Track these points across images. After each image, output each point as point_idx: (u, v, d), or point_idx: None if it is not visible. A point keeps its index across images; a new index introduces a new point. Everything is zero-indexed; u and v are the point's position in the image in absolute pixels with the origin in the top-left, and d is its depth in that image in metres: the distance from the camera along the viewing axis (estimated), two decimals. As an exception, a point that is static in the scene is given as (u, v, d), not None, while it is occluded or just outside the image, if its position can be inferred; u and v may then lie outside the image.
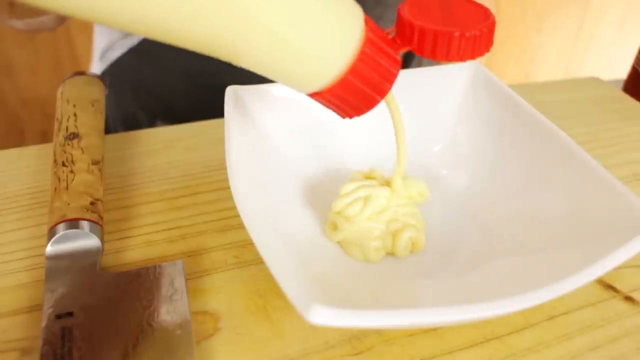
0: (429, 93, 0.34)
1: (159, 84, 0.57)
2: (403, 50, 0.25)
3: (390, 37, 0.24)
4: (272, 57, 0.21)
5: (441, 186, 0.33)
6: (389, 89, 0.24)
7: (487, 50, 0.25)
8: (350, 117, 0.25)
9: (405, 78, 0.34)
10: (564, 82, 0.50)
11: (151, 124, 0.58)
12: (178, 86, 0.56)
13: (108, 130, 0.59)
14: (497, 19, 0.25)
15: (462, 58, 0.24)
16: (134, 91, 0.58)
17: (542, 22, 1.43)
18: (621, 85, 0.50)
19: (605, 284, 0.28)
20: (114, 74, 0.57)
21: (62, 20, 0.38)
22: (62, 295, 0.25)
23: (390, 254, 0.28)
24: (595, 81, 0.50)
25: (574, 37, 1.50)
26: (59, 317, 0.24)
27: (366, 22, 0.23)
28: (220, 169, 0.35)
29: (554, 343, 0.25)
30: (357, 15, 0.23)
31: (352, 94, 0.23)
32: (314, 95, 0.24)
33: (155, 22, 0.19)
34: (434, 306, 0.20)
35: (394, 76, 0.24)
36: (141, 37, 0.54)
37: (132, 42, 0.55)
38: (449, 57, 0.24)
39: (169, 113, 0.58)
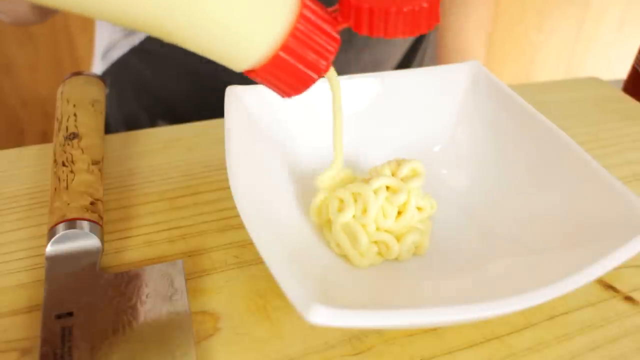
0: (429, 93, 0.34)
1: (160, 84, 0.57)
2: (342, 27, 0.24)
3: (334, 13, 0.24)
4: (201, 34, 0.21)
5: (441, 186, 0.33)
6: (326, 67, 0.24)
7: (430, 27, 0.24)
8: (289, 96, 0.24)
9: (405, 78, 0.34)
10: (564, 82, 0.50)
11: (152, 124, 0.58)
12: (179, 86, 0.56)
13: (109, 130, 0.59)
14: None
15: (401, 34, 0.24)
16: (135, 91, 0.58)
17: (542, 22, 1.43)
18: (621, 85, 0.50)
19: (605, 284, 0.28)
20: (116, 74, 0.57)
21: (41, 12, 0.38)
22: (62, 295, 0.25)
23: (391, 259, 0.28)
24: (595, 81, 0.50)
25: (574, 37, 1.50)
26: (59, 317, 0.24)
27: None
28: (220, 169, 0.35)
29: (554, 343, 0.25)
30: None
31: (286, 72, 0.23)
32: (249, 73, 0.23)
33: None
34: (434, 306, 0.20)
35: (331, 53, 0.23)
36: (143, 37, 0.54)
37: (133, 42, 0.55)
38: (386, 33, 0.24)
39: (170, 113, 0.58)
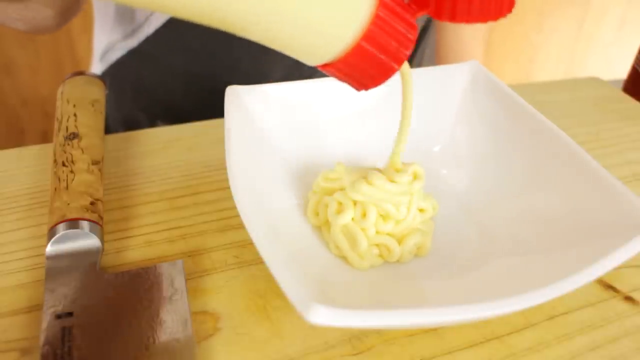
0: (429, 93, 0.34)
1: (159, 85, 0.57)
2: (420, 15, 0.23)
3: (405, 2, 0.23)
4: (278, 26, 0.20)
5: (441, 186, 0.33)
6: (406, 56, 0.23)
7: (510, 10, 0.23)
8: (367, 88, 0.24)
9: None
10: (564, 82, 0.50)
11: (151, 125, 0.58)
12: (178, 87, 0.57)
13: (108, 131, 0.59)
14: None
15: (484, 18, 0.23)
16: (134, 92, 0.58)
17: (542, 22, 1.43)
18: (621, 85, 0.50)
19: (605, 284, 0.28)
20: (114, 75, 0.58)
21: (61, 17, 0.38)
22: (62, 295, 0.25)
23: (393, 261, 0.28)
24: (595, 81, 0.50)
25: (574, 37, 1.50)
26: (59, 317, 0.24)
27: None
28: (220, 169, 0.35)
29: (554, 343, 0.25)
30: None
31: (367, 62, 0.22)
32: (327, 67, 0.23)
33: None
34: (433, 306, 0.20)
35: (411, 42, 0.23)
36: (141, 38, 0.54)
37: (132, 43, 0.55)
38: (470, 18, 0.23)
39: (169, 114, 0.58)
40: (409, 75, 0.25)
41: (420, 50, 0.63)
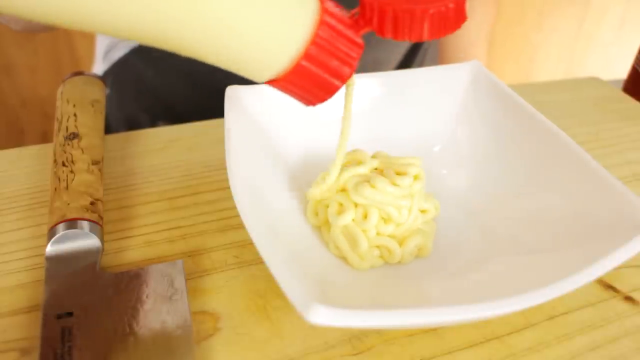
0: (429, 93, 0.34)
1: (161, 84, 0.57)
2: (365, 32, 0.23)
3: (355, 17, 0.23)
4: (218, 47, 0.20)
5: (441, 186, 0.33)
6: (350, 74, 0.23)
7: (457, 26, 0.23)
8: (313, 104, 0.24)
9: (405, 78, 0.34)
10: (564, 82, 0.50)
11: (153, 124, 0.58)
12: (179, 87, 0.56)
13: (109, 130, 0.59)
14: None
15: (428, 36, 0.23)
16: (136, 92, 0.58)
17: (542, 22, 1.43)
18: (621, 85, 0.50)
19: (605, 284, 0.28)
20: (116, 74, 0.58)
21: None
22: (62, 295, 0.25)
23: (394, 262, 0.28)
24: (595, 81, 0.50)
25: (574, 37, 1.50)
26: (59, 317, 0.24)
27: (322, 1, 0.22)
28: (220, 169, 0.35)
29: (554, 343, 0.25)
30: None
31: (309, 81, 0.22)
32: (271, 83, 0.23)
33: (110, 17, 0.18)
34: (433, 306, 0.20)
35: (355, 60, 0.23)
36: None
37: (134, 42, 0.55)
38: (411, 36, 0.23)
39: (171, 113, 0.58)
40: (351, 88, 0.26)
41: (422, 50, 0.63)
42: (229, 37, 0.20)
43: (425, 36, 0.23)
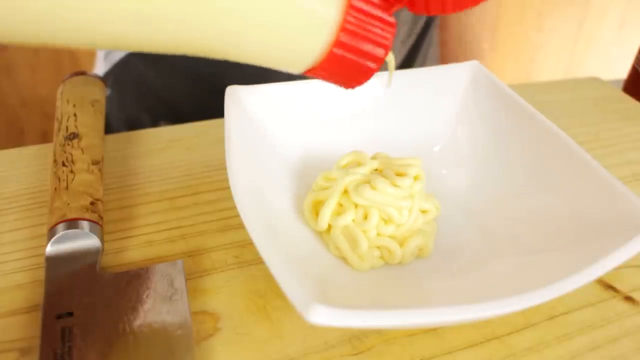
0: (429, 93, 0.34)
1: (162, 84, 0.57)
2: (397, 9, 0.23)
3: None
4: (253, 43, 0.20)
5: (441, 186, 0.33)
6: (384, 55, 0.23)
7: None
8: (352, 87, 0.24)
9: (405, 78, 0.34)
10: (564, 82, 0.50)
11: (154, 124, 0.58)
12: (180, 87, 0.56)
13: (111, 131, 0.59)
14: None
15: (459, 7, 0.22)
16: (137, 92, 0.58)
17: (542, 22, 1.43)
18: (621, 85, 0.50)
19: (605, 284, 0.28)
20: (118, 74, 0.58)
21: None
22: (62, 295, 0.25)
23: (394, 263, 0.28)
24: (595, 81, 0.50)
25: (574, 37, 1.50)
26: (59, 317, 0.24)
27: None
28: (220, 168, 0.35)
29: (554, 343, 0.25)
30: None
31: (344, 66, 0.22)
32: (308, 72, 0.23)
33: (138, 34, 0.18)
34: (433, 306, 0.20)
35: (388, 40, 0.23)
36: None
37: None
38: (445, 9, 0.22)
39: (172, 114, 0.58)
40: (392, 64, 0.26)
41: (423, 50, 0.63)
42: (260, 33, 0.20)
43: (457, 7, 0.22)
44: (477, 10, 0.61)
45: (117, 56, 0.57)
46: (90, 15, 0.17)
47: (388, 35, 0.23)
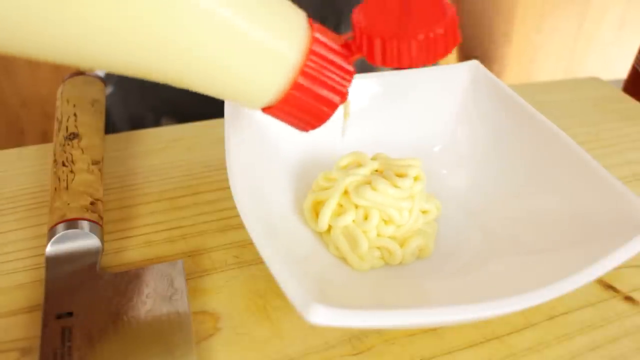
0: (429, 93, 0.34)
1: (165, 83, 0.57)
2: (356, 58, 0.23)
3: (348, 41, 0.23)
4: (207, 80, 0.21)
5: (441, 186, 0.33)
6: (339, 102, 0.23)
7: (448, 51, 0.23)
8: (306, 130, 0.24)
9: (405, 78, 0.34)
10: (564, 82, 0.50)
11: (157, 123, 0.58)
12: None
13: (114, 129, 0.59)
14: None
15: (416, 64, 0.22)
16: (140, 90, 0.58)
17: (542, 22, 1.43)
18: (621, 85, 0.50)
19: (605, 284, 0.28)
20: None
21: None
22: (62, 295, 0.25)
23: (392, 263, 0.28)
24: (595, 81, 0.50)
25: (574, 37, 1.50)
26: (59, 317, 0.24)
27: (312, 30, 0.22)
28: (220, 168, 0.35)
29: (554, 343, 0.25)
30: (297, 27, 0.21)
31: (300, 109, 0.23)
32: (265, 110, 0.23)
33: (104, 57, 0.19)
34: (433, 306, 0.20)
35: (345, 87, 0.23)
36: None
37: None
38: (401, 64, 0.22)
39: (175, 112, 0.58)
40: (348, 107, 0.26)
41: None
42: (218, 70, 0.20)
43: (414, 63, 0.22)
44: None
45: None
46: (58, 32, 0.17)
47: (346, 83, 0.23)
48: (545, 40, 1.47)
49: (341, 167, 0.30)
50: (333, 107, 0.23)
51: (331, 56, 0.22)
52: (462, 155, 0.34)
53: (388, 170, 0.28)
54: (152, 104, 0.58)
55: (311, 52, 0.22)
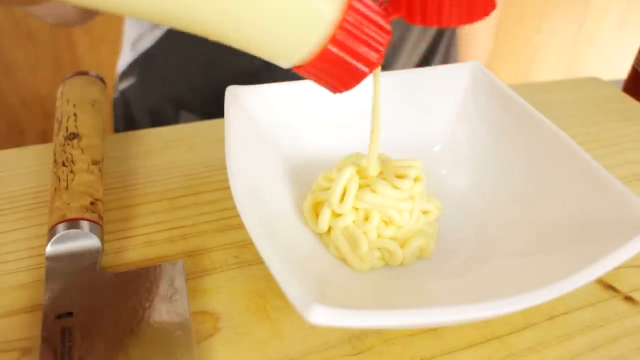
0: (429, 93, 0.34)
1: (184, 75, 0.58)
2: (393, 18, 0.23)
3: (383, 4, 0.23)
4: (250, 30, 0.20)
5: (441, 187, 0.33)
6: (378, 59, 0.23)
7: (486, 14, 0.23)
8: (340, 91, 0.24)
9: (406, 78, 0.34)
10: (564, 82, 0.50)
11: (176, 115, 0.59)
12: (205, 77, 0.58)
13: (132, 119, 0.60)
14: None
15: (457, 22, 0.23)
16: (161, 82, 0.59)
17: (542, 22, 1.43)
18: (621, 85, 0.50)
19: (605, 284, 0.28)
20: (144, 63, 0.59)
21: (86, 14, 0.38)
22: (62, 295, 0.25)
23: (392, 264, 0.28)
24: (595, 81, 0.50)
25: (574, 37, 1.50)
26: (59, 317, 0.24)
27: None
28: (220, 168, 0.35)
29: (554, 343, 0.25)
30: None
31: (336, 66, 0.22)
32: (298, 69, 0.23)
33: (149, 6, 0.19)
34: (434, 306, 0.20)
35: (383, 45, 0.23)
36: (165, 28, 0.56)
37: (158, 33, 0.57)
38: (441, 22, 0.23)
39: (194, 105, 0.59)
40: (378, 76, 0.26)
41: (445, 47, 0.64)
42: (255, 21, 0.20)
43: (454, 22, 0.23)
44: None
45: (144, 46, 0.59)
46: None
47: (383, 41, 0.23)
48: (545, 40, 1.47)
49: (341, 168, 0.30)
50: (370, 65, 0.23)
51: (369, 13, 0.22)
52: (462, 156, 0.34)
53: (388, 172, 0.28)
54: (172, 97, 0.59)
55: (350, 7, 0.21)
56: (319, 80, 0.24)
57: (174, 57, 0.57)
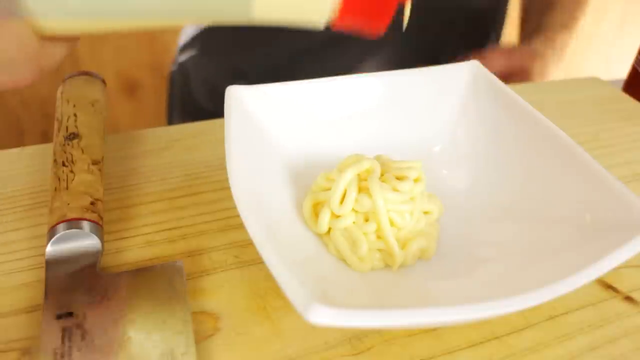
0: (429, 93, 0.34)
1: (243, 49, 0.62)
2: None
3: None
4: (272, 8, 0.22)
5: (441, 187, 0.33)
6: None
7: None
8: (380, 31, 0.24)
9: (406, 78, 0.34)
10: (564, 82, 0.50)
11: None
12: (261, 52, 0.61)
13: (190, 87, 0.65)
14: None
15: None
16: (220, 54, 0.64)
17: (542, 22, 1.43)
18: (621, 85, 0.50)
19: (605, 284, 0.28)
20: (204, 37, 0.64)
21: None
22: (62, 295, 0.25)
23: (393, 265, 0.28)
24: (595, 81, 0.50)
25: (573, 37, 1.49)
26: (59, 317, 0.24)
27: None
28: (220, 168, 0.35)
29: (554, 343, 0.25)
30: None
31: (365, 3, 0.23)
32: (333, 26, 0.24)
33: None
34: (433, 306, 0.20)
35: None
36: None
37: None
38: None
39: (250, 76, 0.61)
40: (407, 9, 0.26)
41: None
42: None
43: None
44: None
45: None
46: None
47: None
48: (545, 40, 1.47)
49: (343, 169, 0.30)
50: None
51: None
52: (462, 156, 0.34)
53: (388, 173, 0.28)
54: (229, 69, 0.62)
55: None
56: (356, 25, 0.24)
57: (234, 32, 0.60)
